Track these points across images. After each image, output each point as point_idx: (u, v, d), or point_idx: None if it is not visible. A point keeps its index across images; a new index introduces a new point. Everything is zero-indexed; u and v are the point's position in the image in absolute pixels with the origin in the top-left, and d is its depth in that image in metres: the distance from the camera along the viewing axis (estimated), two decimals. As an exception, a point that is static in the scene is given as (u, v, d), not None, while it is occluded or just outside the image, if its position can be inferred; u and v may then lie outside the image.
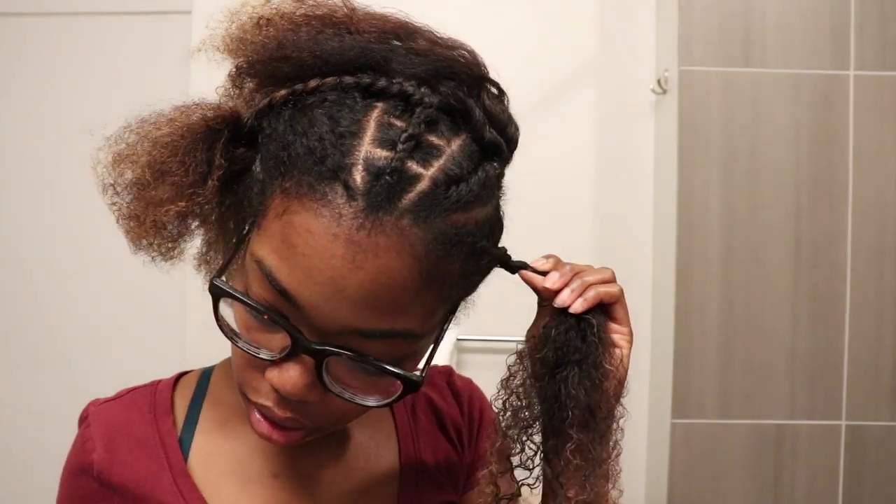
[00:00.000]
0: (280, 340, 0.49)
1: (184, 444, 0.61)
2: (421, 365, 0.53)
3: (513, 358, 0.59)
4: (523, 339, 0.60)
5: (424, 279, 0.47)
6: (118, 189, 0.54)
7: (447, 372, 0.78)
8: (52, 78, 1.98)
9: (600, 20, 1.84)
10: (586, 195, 1.84)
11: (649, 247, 1.82)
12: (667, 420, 1.62)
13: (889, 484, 1.61)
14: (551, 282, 0.56)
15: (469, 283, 0.53)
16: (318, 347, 0.48)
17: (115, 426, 0.61)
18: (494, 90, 0.55)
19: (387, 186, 0.45)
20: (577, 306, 0.56)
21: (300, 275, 0.46)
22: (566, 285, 0.56)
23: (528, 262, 0.58)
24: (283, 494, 0.61)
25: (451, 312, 0.55)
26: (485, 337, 1.76)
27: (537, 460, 0.58)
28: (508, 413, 0.57)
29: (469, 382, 0.79)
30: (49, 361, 1.99)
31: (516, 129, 0.56)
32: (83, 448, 0.60)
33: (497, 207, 0.54)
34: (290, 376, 0.49)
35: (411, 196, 0.46)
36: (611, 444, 0.57)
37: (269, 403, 0.52)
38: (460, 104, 0.51)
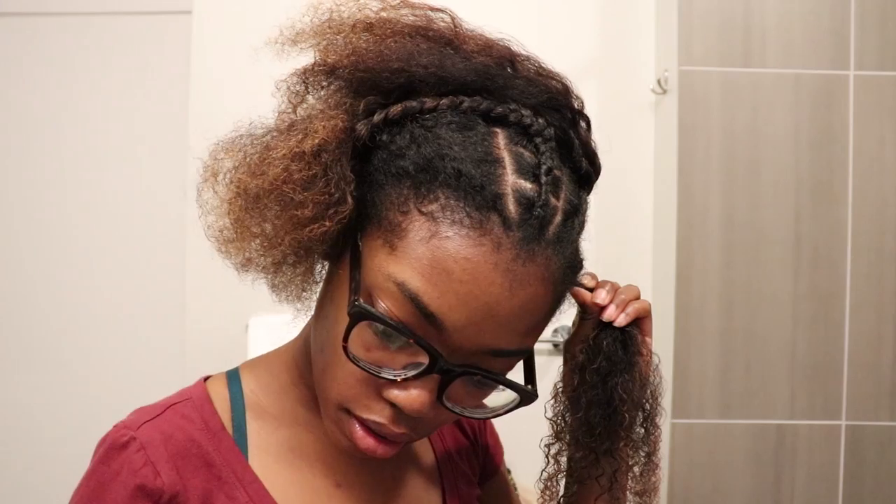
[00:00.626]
0: (405, 359, 0.50)
1: None
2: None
3: (564, 368, 0.64)
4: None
5: (554, 302, 0.52)
6: (246, 204, 0.52)
7: None
8: (52, 78, 1.98)
9: (600, 20, 1.84)
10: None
11: (649, 247, 1.82)
12: (667, 420, 1.62)
13: (889, 484, 1.61)
14: (601, 297, 0.60)
15: None
16: (456, 368, 0.49)
17: (177, 448, 0.56)
18: (584, 123, 0.58)
19: (539, 218, 0.48)
20: (622, 320, 0.60)
21: (453, 299, 0.47)
22: (612, 301, 0.60)
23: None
24: None
25: None
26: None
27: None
28: (562, 419, 0.62)
29: None
30: (48, 362, 1.98)
31: (599, 160, 0.59)
32: (138, 474, 0.54)
33: None
34: (419, 395, 0.50)
35: (553, 228, 0.49)
36: (654, 438, 0.62)
37: (383, 420, 0.52)
38: (566, 136, 0.54)
